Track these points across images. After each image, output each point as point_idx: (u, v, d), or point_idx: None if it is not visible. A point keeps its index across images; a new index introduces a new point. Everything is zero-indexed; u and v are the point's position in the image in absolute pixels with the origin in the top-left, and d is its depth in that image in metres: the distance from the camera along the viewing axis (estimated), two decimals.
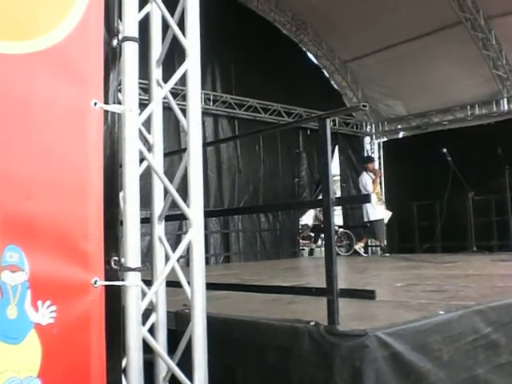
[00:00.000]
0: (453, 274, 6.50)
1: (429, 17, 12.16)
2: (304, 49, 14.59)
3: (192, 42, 2.52)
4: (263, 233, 13.30)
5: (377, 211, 11.96)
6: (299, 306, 3.91)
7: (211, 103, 12.37)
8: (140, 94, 2.50)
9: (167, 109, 10.71)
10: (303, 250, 14.20)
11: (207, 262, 12.12)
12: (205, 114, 12.30)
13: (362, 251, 12.39)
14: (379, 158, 15.93)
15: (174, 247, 9.65)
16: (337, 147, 15.20)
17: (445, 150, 11.34)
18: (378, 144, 16.06)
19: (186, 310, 4.01)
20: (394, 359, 2.87)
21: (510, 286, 4.95)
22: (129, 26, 2.28)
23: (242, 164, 12.92)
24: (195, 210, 2.45)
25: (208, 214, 2.60)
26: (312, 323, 3.06)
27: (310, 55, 14.78)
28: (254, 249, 13.07)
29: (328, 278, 2.99)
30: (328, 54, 14.65)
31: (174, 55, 3.90)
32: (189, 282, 2.73)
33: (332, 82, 15.22)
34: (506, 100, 13.21)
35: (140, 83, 2.44)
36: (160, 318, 2.62)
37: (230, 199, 12.61)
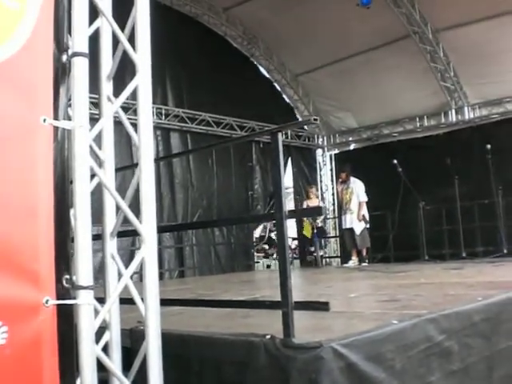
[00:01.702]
0: (405, 284, 6.59)
1: (378, 30, 12.40)
2: (255, 62, 14.68)
3: (142, 56, 2.50)
4: (218, 246, 13.27)
5: (350, 221, 12.12)
6: (254, 320, 3.90)
7: (163, 117, 12.33)
8: (91, 109, 2.47)
9: (118, 123, 10.58)
10: (258, 262, 14.20)
11: (161, 277, 12.01)
12: (156, 128, 12.25)
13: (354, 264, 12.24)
14: (331, 169, 16.11)
15: (128, 262, 9.50)
16: (290, 160, 15.31)
17: (395, 162, 11.52)
18: (330, 156, 16.23)
19: (140, 327, 3.96)
20: (349, 370, 2.88)
21: (461, 293, 5.03)
22: (78, 41, 2.26)
23: (194, 178, 12.89)
24: (148, 226, 2.42)
25: (161, 230, 2.59)
26: (268, 336, 3.05)
27: (262, 69, 14.86)
28: (209, 263, 13.02)
29: (282, 290, 2.99)
30: (279, 68, 14.78)
31: (126, 69, 3.87)
32: (142, 299, 2.70)
33: (284, 96, 15.35)
34: (454, 111, 13.53)
35: (91, 98, 2.41)
36: (114, 336, 2.58)
37: (184, 213, 12.56)
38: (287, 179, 15.59)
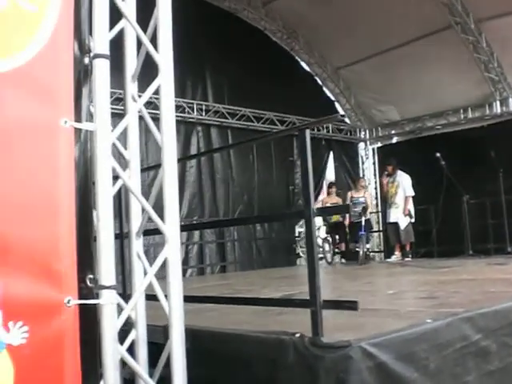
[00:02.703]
0: (445, 280, 6.48)
1: (419, 21, 12.18)
2: (296, 56, 14.59)
3: (165, 56, 2.49)
4: (259, 241, 13.26)
5: (395, 215, 12.00)
6: (289, 317, 3.88)
7: (203, 113, 12.37)
8: (117, 105, 2.48)
9: (158, 120, 10.54)
10: (300, 257, 14.09)
11: (203, 272, 12.11)
12: (197, 123, 12.34)
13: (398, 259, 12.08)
14: (373, 163, 15.94)
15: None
16: (331, 154, 15.21)
17: (438, 155, 11.35)
18: (373, 149, 16.05)
19: None
20: (378, 370, 2.84)
21: (501, 291, 4.92)
22: (99, 42, 2.26)
23: (235, 173, 12.90)
24: (171, 225, 2.42)
25: (183, 228, 2.58)
26: (297, 335, 3.04)
27: (302, 63, 14.77)
28: (250, 258, 13.04)
29: (311, 289, 2.97)
30: (320, 61, 14.66)
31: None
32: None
33: (324, 89, 15.22)
34: (498, 103, 13.21)
35: (117, 93, 2.43)
36: (140, 334, 2.59)
37: (225, 209, 12.60)
38: (329, 173, 15.51)
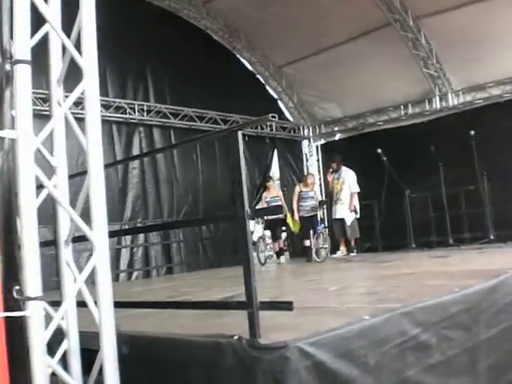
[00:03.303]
0: (387, 275, 6.56)
1: (359, 19, 12.32)
2: (238, 55, 14.56)
3: (89, 61, 2.43)
4: (205, 241, 13.19)
5: (341, 211, 12.10)
6: (229, 319, 3.84)
7: (145, 113, 12.22)
8: (41, 105, 2.41)
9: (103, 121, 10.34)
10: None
11: (149, 274, 11.97)
12: (139, 124, 12.19)
13: (343, 254, 12.18)
14: (317, 160, 16.06)
15: (114, 262, 9.43)
16: (276, 151, 15.26)
17: (379, 151, 11.54)
18: (316, 147, 16.16)
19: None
20: (317, 369, 2.84)
21: (441, 284, 4.99)
22: (20, 48, 2.19)
23: (179, 174, 12.78)
24: (99, 232, 2.36)
25: (112, 234, 2.53)
26: (235, 337, 3.01)
27: (245, 61, 14.75)
28: (197, 258, 12.96)
29: (247, 291, 2.95)
30: (262, 60, 14.66)
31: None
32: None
33: (267, 88, 15.23)
34: (437, 98, 13.45)
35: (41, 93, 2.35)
36: (72, 343, 2.52)
37: (169, 210, 12.47)
38: (274, 171, 15.55)
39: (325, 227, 12.70)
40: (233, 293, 5.97)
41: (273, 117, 2.92)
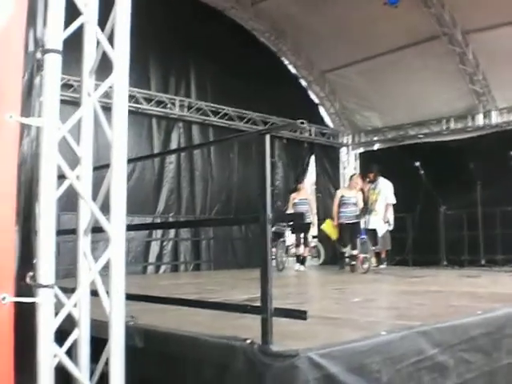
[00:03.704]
0: (413, 291, 6.47)
1: (407, 30, 12.20)
2: (282, 58, 14.54)
3: (120, 54, 2.43)
4: (235, 241, 13.20)
5: (374, 222, 11.93)
6: (248, 321, 3.83)
7: (185, 109, 12.28)
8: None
9: (139, 114, 10.49)
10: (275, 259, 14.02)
11: (176, 269, 12.03)
12: (179, 120, 12.25)
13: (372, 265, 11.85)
14: (355, 169, 15.94)
15: (143, 255, 9.49)
16: (313, 157, 15.21)
17: (418, 164, 11.40)
18: (355, 155, 16.05)
19: (130, 323, 3.95)
20: (327, 381, 2.80)
21: (464, 305, 4.90)
22: (52, 37, 2.21)
23: (215, 171, 12.84)
24: (116, 226, 2.36)
25: (129, 228, 2.53)
26: (248, 341, 3.00)
27: (288, 64, 14.72)
28: (225, 257, 12.96)
29: (263, 296, 2.93)
30: (306, 64, 14.62)
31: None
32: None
33: (309, 92, 15.18)
34: (481, 115, 13.25)
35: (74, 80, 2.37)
36: (83, 332, 2.53)
37: (202, 207, 12.52)
38: (310, 177, 15.49)
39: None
40: (256, 295, 5.96)
41: (302, 123, 2.89)
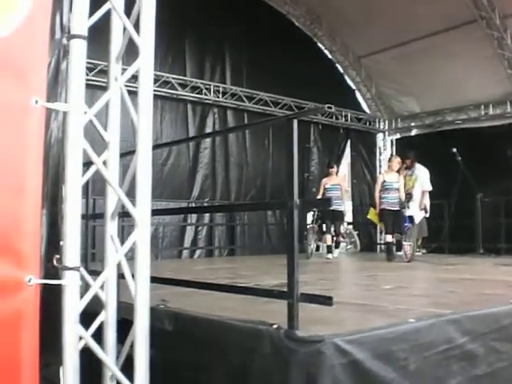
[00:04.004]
0: (446, 278, 6.41)
1: (444, 14, 11.96)
2: (318, 43, 14.42)
3: (145, 40, 2.45)
4: (269, 227, 13.22)
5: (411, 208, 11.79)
6: (276, 306, 3.84)
7: (220, 95, 12.30)
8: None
9: (171, 99, 10.53)
10: (311, 245, 13.98)
11: (211, 254, 12.10)
12: (214, 105, 12.28)
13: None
14: (391, 155, 15.76)
15: (178, 239, 9.56)
16: (349, 142, 15.10)
17: (455, 150, 11.26)
18: (391, 141, 15.89)
19: (161, 306, 4.00)
20: (353, 367, 2.81)
21: (497, 293, 4.84)
22: (77, 23, 2.24)
23: (250, 157, 12.85)
24: (142, 210, 2.39)
25: (155, 213, 2.55)
26: (274, 326, 3.01)
27: (324, 50, 14.61)
28: (260, 243, 13.00)
29: (289, 281, 2.94)
30: (342, 49, 14.48)
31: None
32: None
33: (346, 78, 15.05)
34: None
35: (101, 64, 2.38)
36: (110, 315, 2.57)
37: (237, 192, 12.56)
38: (345, 162, 15.40)
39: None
40: (285, 280, 5.97)
41: (329, 107, 2.88)
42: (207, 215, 12.04)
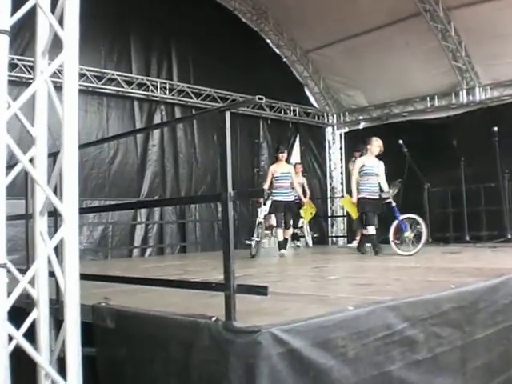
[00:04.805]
0: (393, 267, 6.50)
1: (389, 7, 12.14)
2: (265, 38, 14.45)
3: (69, 33, 2.41)
4: (220, 223, 13.18)
5: None
6: (219, 300, 3.84)
7: (167, 92, 12.21)
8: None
9: (121, 97, 10.43)
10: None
11: (162, 252, 12.01)
12: (161, 102, 12.20)
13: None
14: (340, 148, 15.96)
15: (128, 237, 9.40)
16: (298, 137, 15.17)
17: (401, 142, 11.39)
18: (340, 134, 16.05)
19: (103, 304, 3.95)
20: (290, 356, 2.81)
21: (440, 280, 4.92)
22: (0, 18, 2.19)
23: (199, 154, 12.79)
24: (68, 206, 2.35)
25: (83, 211, 2.52)
26: (213, 319, 3.00)
27: (272, 45, 14.65)
28: (211, 239, 12.96)
29: (225, 273, 2.94)
30: (289, 44, 14.56)
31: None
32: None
33: (293, 72, 15.12)
34: (465, 92, 13.22)
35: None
36: (42, 313, 2.52)
37: (187, 189, 12.48)
38: (295, 156, 15.46)
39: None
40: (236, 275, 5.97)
41: (260, 98, 2.87)
42: (157, 213, 11.96)
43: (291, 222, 10.56)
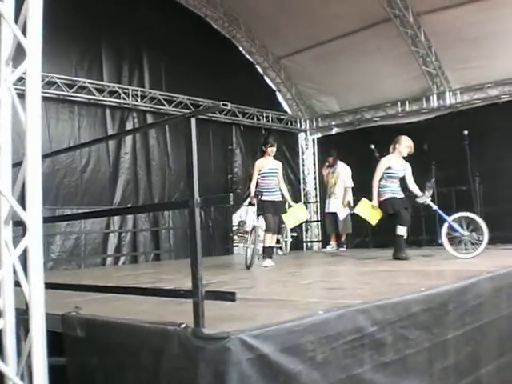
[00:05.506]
0: (364, 271, 6.55)
1: (359, 13, 12.25)
2: (237, 45, 14.49)
3: (32, 41, 2.40)
4: None
5: (335, 205, 11.99)
6: (190, 307, 3.85)
7: (139, 99, 12.17)
8: None
9: (93, 105, 10.37)
10: (236, 246, 13.97)
11: (136, 260, 11.95)
12: (133, 110, 12.17)
13: (333, 249, 12.02)
14: (313, 154, 16.04)
15: (102, 246, 9.33)
16: None
17: (373, 147, 11.48)
18: (313, 140, 16.13)
19: (73, 313, 3.93)
20: (260, 362, 2.83)
21: (410, 283, 4.98)
22: None
23: (172, 161, 12.76)
24: (32, 214, 2.35)
25: (47, 220, 2.51)
26: (182, 326, 3.01)
27: (243, 51, 14.68)
28: (185, 246, 12.90)
29: (193, 280, 2.94)
30: (261, 50, 14.61)
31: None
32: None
33: (266, 79, 15.18)
34: (435, 96, 13.38)
35: None
36: (8, 323, 2.51)
37: (160, 197, 12.44)
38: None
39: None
40: (208, 281, 5.96)
41: (224, 105, 2.89)
42: (131, 221, 11.91)
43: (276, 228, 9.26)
